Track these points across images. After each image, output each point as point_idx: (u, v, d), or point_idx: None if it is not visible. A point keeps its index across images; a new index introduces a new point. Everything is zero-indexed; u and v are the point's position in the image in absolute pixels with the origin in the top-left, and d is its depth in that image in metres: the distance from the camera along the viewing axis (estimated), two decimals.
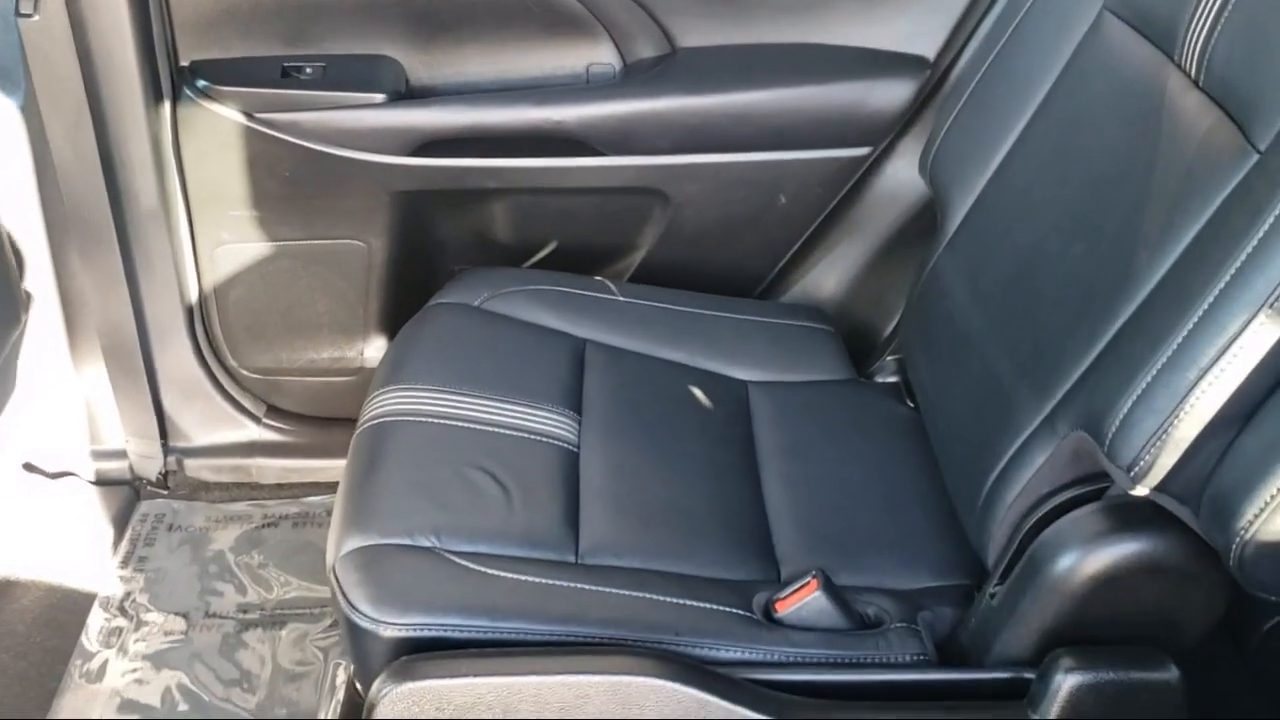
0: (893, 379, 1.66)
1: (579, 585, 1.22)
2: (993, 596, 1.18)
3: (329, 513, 1.95)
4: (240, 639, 1.75)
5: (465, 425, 1.41)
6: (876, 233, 1.85)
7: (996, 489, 1.21)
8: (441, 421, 1.41)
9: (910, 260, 1.66)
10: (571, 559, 1.27)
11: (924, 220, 1.75)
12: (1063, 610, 1.11)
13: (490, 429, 1.41)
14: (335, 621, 1.77)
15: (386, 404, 1.43)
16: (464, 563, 1.22)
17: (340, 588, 1.19)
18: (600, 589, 1.22)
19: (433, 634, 1.14)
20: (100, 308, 1.88)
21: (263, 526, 1.96)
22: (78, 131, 1.68)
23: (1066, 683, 1.08)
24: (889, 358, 1.69)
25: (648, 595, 1.22)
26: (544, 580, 1.22)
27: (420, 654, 1.11)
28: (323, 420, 2.06)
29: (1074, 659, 1.08)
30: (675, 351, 1.64)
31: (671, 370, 1.61)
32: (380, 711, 1.08)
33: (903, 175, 1.80)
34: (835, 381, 1.65)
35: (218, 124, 1.73)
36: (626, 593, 1.22)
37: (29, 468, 1.98)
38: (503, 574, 1.21)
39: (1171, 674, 1.08)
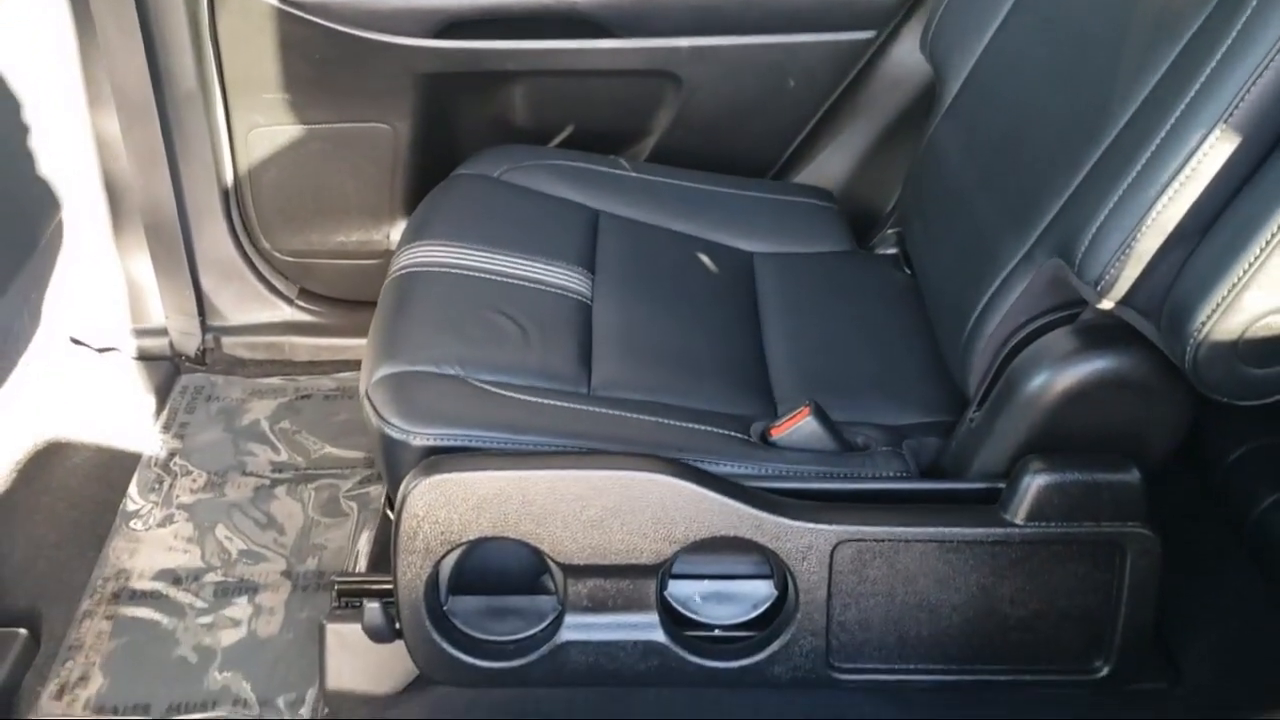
0: (892, 250, 1.75)
1: (592, 409, 1.33)
2: (972, 421, 1.28)
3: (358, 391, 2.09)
4: (274, 493, 1.87)
5: (486, 277, 1.50)
6: (881, 116, 1.93)
7: (979, 323, 1.30)
8: (463, 273, 1.51)
9: (913, 144, 1.74)
10: (584, 391, 1.37)
11: (926, 104, 1.82)
12: (1035, 426, 1.20)
13: (509, 280, 1.51)
14: (365, 478, 1.91)
15: (413, 257, 1.53)
16: (486, 387, 1.32)
17: (374, 406, 1.29)
18: (611, 412, 1.32)
19: (457, 443, 1.24)
20: (142, 188, 1.99)
21: (296, 399, 2.07)
22: (121, 9, 1.78)
23: (1034, 484, 1.17)
24: (889, 230, 1.78)
25: (654, 419, 1.32)
26: (560, 404, 1.32)
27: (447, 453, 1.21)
28: (352, 303, 2.16)
29: (1042, 462, 1.18)
30: (684, 224, 1.73)
31: (680, 239, 1.70)
32: (410, 505, 1.18)
33: (907, 60, 1.87)
34: (837, 252, 1.74)
35: (251, 5, 1.83)
36: (635, 416, 1.32)
37: (76, 342, 2.10)
38: (522, 397, 1.31)
39: (1133, 475, 1.17)
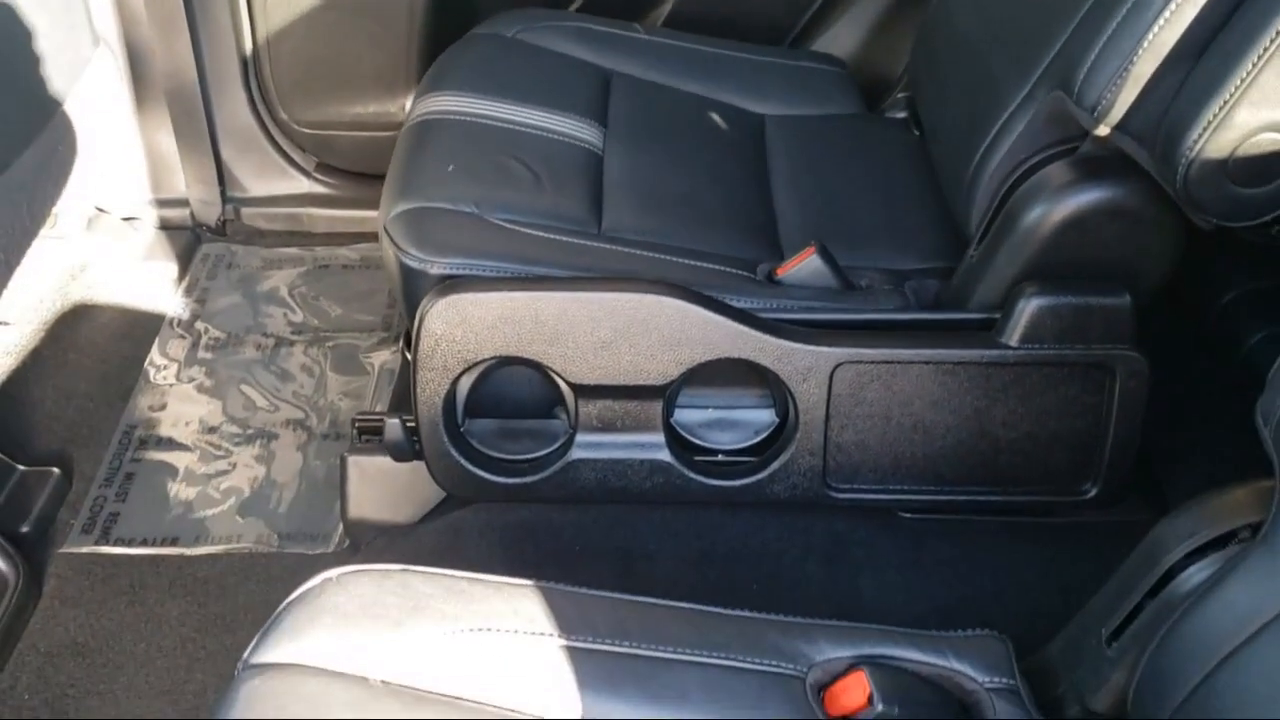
0: (901, 114, 1.77)
1: (602, 245, 1.37)
2: (972, 257, 1.32)
3: (374, 263, 2.13)
4: (293, 352, 1.93)
5: (499, 125, 1.54)
6: None
7: (982, 163, 1.33)
8: (478, 121, 1.54)
9: (924, 13, 1.76)
10: (595, 232, 1.42)
11: None
12: (1032, 257, 1.24)
13: (522, 129, 1.54)
14: (383, 339, 1.96)
15: (429, 107, 1.57)
16: (500, 223, 1.36)
17: (392, 238, 1.34)
18: (620, 249, 1.37)
19: (473, 272, 1.29)
20: (162, 54, 2.02)
21: (314, 269, 2.12)
22: None
23: (1029, 307, 1.21)
24: (899, 95, 1.80)
25: (663, 256, 1.36)
26: (571, 240, 1.36)
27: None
28: (369, 176, 2.19)
29: (1037, 286, 1.22)
30: (697, 85, 1.75)
31: (693, 99, 1.73)
32: (428, 324, 1.23)
33: None
34: (847, 115, 1.76)
35: None
36: (644, 253, 1.36)
37: (100, 210, 2.15)
38: (535, 233, 1.36)
39: (1123, 299, 1.21)
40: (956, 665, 0.98)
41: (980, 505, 1.32)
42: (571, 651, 0.93)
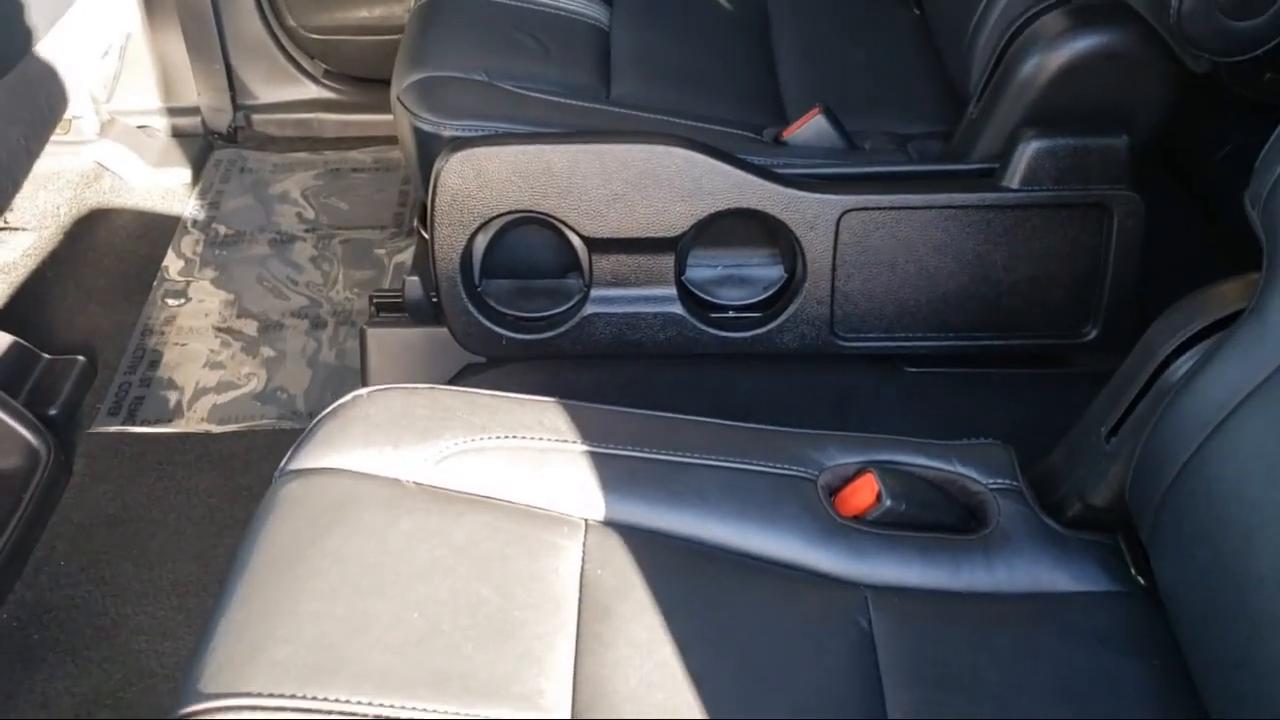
0: None
1: (611, 109, 1.40)
2: (973, 113, 1.35)
3: (384, 164, 2.16)
4: (308, 246, 1.97)
5: (507, 2, 1.57)
6: None
7: (980, 22, 1.36)
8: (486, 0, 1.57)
9: None
10: (603, 100, 1.45)
11: None
12: (1031, 105, 1.27)
13: (530, 6, 1.57)
14: (394, 233, 1.99)
15: None
16: (510, 89, 1.39)
17: (405, 105, 1.37)
18: (629, 112, 1.40)
19: (485, 134, 1.32)
20: None
21: (325, 171, 2.15)
22: None
23: (1029, 150, 1.25)
24: None
25: (671, 119, 1.39)
26: (580, 103, 1.40)
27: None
28: (376, 82, 2.22)
29: (1036, 129, 1.25)
30: None
31: None
32: (443, 180, 1.26)
33: None
34: None
35: None
36: (653, 116, 1.39)
37: (114, 117, 2.18)
38: (545, 97, 1.39)
39: (1120, 140, 1.24)
40: (961, 469, 1.02)
41: (983, 350, 1.35)
42: (594, 456, 0.97)
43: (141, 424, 1.65)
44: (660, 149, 1.26)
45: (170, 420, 1.65)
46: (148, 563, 1.46)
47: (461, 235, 1.29)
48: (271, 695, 0.76)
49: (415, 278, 1.35)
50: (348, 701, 0.76)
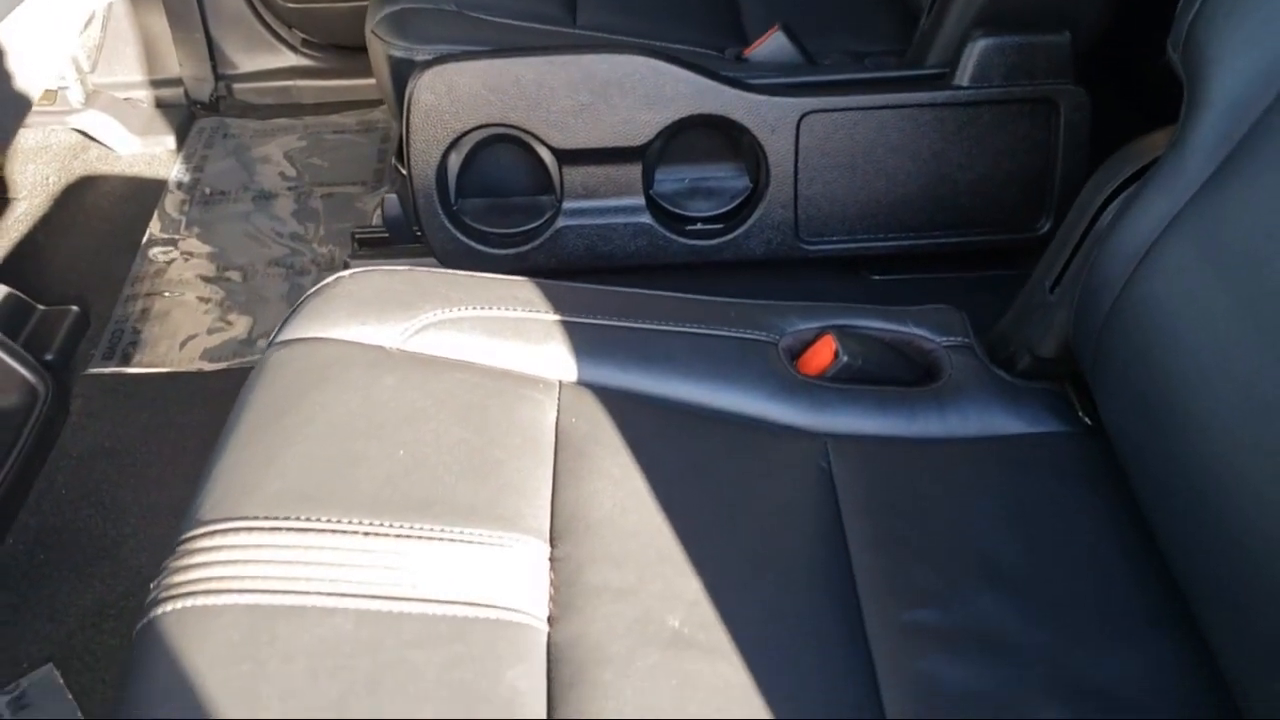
0: None
1: (578, 31, 1.46)
2: (924, 24, 1.41)
3: (364, 126, 2.21)
4: (290, 202, 2.02)
5: None
6: None
7: None
8: None
9: None
10: (570, 26, 1.50)
11: None
12: (980, 8, 1.33)
13: None
14: (375, 187, 2.04)
15: None
16: (477, 15, 1.45)
17: (379, 36, 1.42)
18: (596, 34, 1.46)
19: (454, 54, 1.37)
20: None
21: (306, 134, 2.21)
22: None
23: (977, 49, 1.30)
24: None
25: (636, 40, 1.45)
26: (548, 28, 1.45)
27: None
28: (353, 49, 2.28)
29: (984, 30, 1.31)
30: None
31: None
32: (416, 98, 1.32)
33: None
34: None
35: None
36: (618, 38, 1.45)
37: (97, 89, 2.23)
38: (514, 23, 1.45)
39: (1064, 37, 1.30)
40: (916, 330, 1.07)
41: (943, 248, 1.41)
42: (567, 325, 1.02)
43: (135, 366, 1.70)
44: (624, 58, 1.31)
45: (162, 362, 1.70)
46: (145, 489, 1.51)
47: (435, 152, 1.34)
48: (267, 518, 0.81)
49: (394, 195, 1.40)
50: (339, 522, 0.81)
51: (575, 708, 0.74)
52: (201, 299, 1.82)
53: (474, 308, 1.02)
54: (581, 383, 0.99)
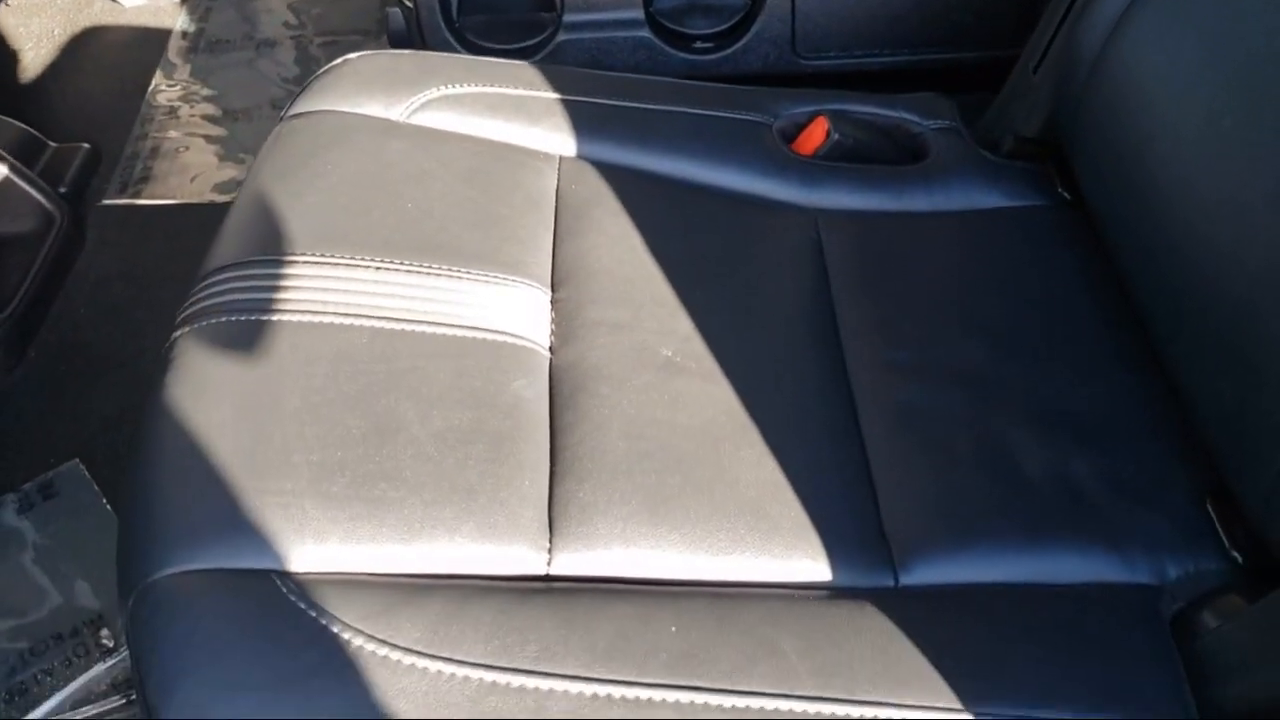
0: None
1: None
2: None
3: None
4: (293, 49, 2.04)
5: None
6: None
7: None
8: None
9: None
10: None
11: None
12: None
13: None
14: (378, 36, 2.06)
15: None
16: None
17: None
18: None
19: None
20: None
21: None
22: None
23: None
24: None
25: None
26: None
27: None
28: None
29: None
30: None
31: None
32: None
33: None
34: None
35: None
36: None
37: None
38: None
39: None
40: (905, 115, 1.11)
41: (936, 66, 1.43)
42: (567, 104, 1.06)
43: (147, 198, 1.74)
44: None
45: (174, 194, 1.74)
46: (161, 308, 1.55)
47: None
48: (284, 255, 0.85)
49: (396, 9, 1.43)
50: (352, 258, 0.86)
51: (575, 413, 0.79)
52: (209, 138, 1.85)
53: (477, 85, 1.05)
54: (581, 157, 1.03)
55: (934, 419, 0.84)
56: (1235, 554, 0.76)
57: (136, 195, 1.74)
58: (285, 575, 0.66)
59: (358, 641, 0.62)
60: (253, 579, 0.65)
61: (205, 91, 1.95)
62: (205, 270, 0.87)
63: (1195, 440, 0.82)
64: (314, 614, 0.63)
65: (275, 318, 0.80)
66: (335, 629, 0.62)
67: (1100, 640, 0.71)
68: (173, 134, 1.86)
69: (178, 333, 0.82)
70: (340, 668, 0.60)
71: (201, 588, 0.64)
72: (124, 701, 1.12)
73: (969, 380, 0.87)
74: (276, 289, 0.82)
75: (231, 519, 0.67)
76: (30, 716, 1.11)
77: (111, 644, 1.17)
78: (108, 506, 1.32)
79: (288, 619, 0.62)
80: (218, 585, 0.64)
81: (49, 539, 1.29)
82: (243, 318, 0.80)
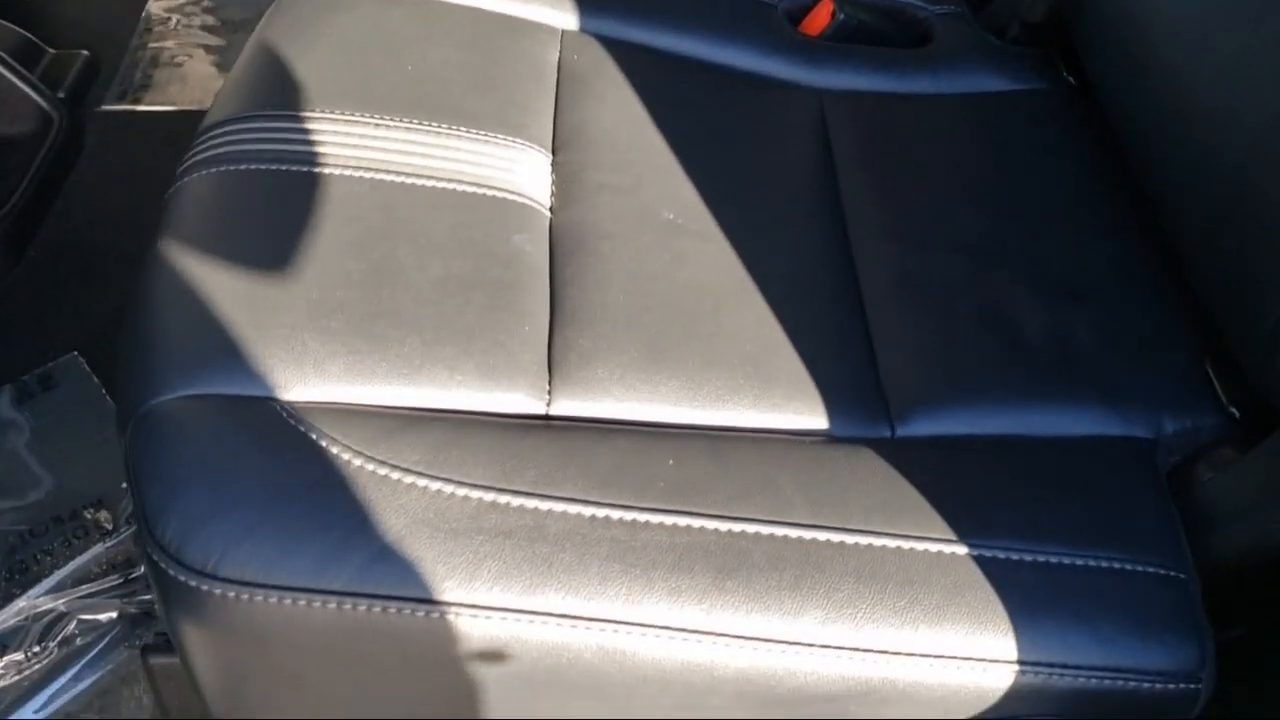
0: None
1: None
2: None
3: None
4: None
5: None
6: None
7: None
8: None
9: None
10: None
11: None
12: None
13: None
14: None
15: None
16: None
17: None
18: None
19: None
20: None
21: None
22: None
23: None
24: None
25: None
26: None
27: None
28: None
29: None
30: None
31: None
32: None
33: None
34: None
35: None
36: None
37: None
38: None
39: None
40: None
41: None
42: None
43: (146, 104, 1.73)
44: None
45: (173, 101, 1.73)
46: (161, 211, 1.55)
47: None
48: (283, 110, 0.85)
49: None
50: (352, 114, 0.85)
51: (576, 268, 0.79)
52: (208, 49, 1.84)
53: None
54: (584, 31, 1.02)
55: (934, 283, 0.84)
56: (1233, 409, 0.76)
57: (136, 102, 1.73)
58: (285, 403, 0.66)
59: (358, 462, 0.62)
60: (252, 404, 0.65)
61: (204, 3, 1.94)
62: (206, 124, 0.87)
63: (1195, 304, 0.82)
64: (314, 436, 0.63)
65: (275, 167, 0.80)
66: (335, 449, 0.63)
67: (1096, 485, 0.71)
68: (171, 44, 1.85)
69: (178, 183, 0.81)
70: (339, 483, 0.60)
71: (200, 411, 0.64)
72: (122, 580, 1.12)
73: (970, 248, 0.87)
74: (277, 142, 0.82)
75: (230, 348, 0.67)
76: (28, 717, 1.08)
77: (111, 526, 1.18)
78: (107, 398, 1.33)
79: (287, 439, 0.62)
80: (216, 409, 0.64)
81: (48, 427, 1.29)
82: (243, 167, 0.80)
